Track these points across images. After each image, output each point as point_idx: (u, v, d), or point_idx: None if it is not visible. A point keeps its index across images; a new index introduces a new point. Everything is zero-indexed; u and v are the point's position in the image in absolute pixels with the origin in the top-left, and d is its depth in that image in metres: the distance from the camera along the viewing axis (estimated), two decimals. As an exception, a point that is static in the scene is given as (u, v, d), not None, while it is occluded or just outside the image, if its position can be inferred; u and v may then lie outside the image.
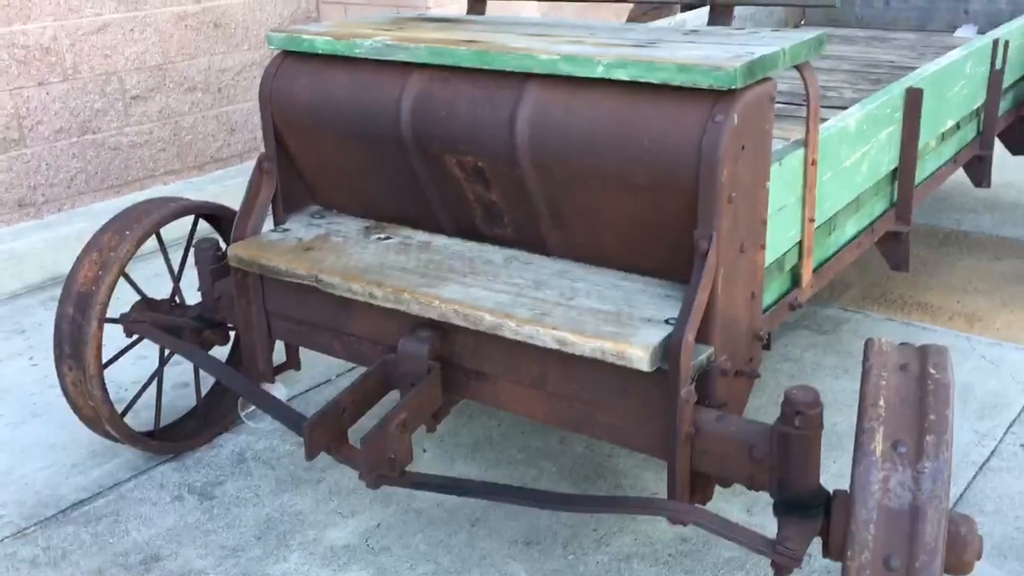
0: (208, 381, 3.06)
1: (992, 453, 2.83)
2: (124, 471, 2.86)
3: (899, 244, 2.90)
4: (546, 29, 2.38)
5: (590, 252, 2.26)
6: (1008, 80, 3.65)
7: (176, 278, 2.88)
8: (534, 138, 2.12)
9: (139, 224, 2.68)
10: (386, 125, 2.35)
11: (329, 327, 2.51)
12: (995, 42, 3.39)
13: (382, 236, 2.54)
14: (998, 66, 3.41)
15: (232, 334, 2.93)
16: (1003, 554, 2.43)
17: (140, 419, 3.04)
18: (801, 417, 1.83)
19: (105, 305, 2.59)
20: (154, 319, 2.73)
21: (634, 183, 2.03)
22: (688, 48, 2.06)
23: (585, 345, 1.97)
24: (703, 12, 4.27)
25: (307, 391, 3.29)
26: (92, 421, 2.72)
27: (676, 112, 1.95)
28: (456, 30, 2.44)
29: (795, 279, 2.42)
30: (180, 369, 3.34)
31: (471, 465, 2.85)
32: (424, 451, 2.93)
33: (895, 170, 2.87)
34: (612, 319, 2.03)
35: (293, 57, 2.55)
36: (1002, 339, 3.49)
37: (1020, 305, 3.76)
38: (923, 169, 3.08)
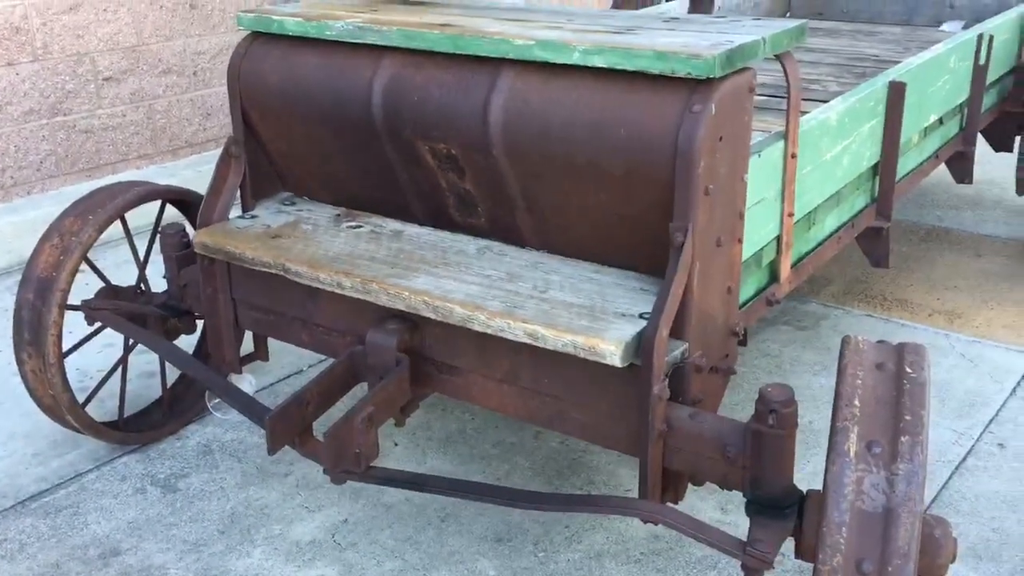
0: (175, 371, 2.99)
1: (969, 452, 2.80)
2: (86, 462, 2.79)
3: (879, 240, 2.86)
4: (524, 14, 2.32)
5: (565, 243, 2.21)
6: (992, 76, 3.61)
7: (142, 265, 2.81)
8: (508, 126, 2.06)
9: (103, 208, 2.60)
10: (357, 110, 2.28)
11: (297, 317, 2.45)
12: (980, 37, 3.35)
13: (353, 224, 2.48)
14: (982, 61, 3.37)
15: (200, 323, 2.86)
16: (978, 555, 2.40)
17: (105, 408, 2.97)
18: (775, 415, 1.78)
19: (66, 291, 2.52)
20: (117, 307, 2.65)
21: (609, 174, 1.97)
22: (667, 36, 2.00)
23: (557, 340, 1.91)
24: (686, 1, 4.21)
25: (276, 382, 3.23)
26: (52, 410, 2.64)
27: (653, 101, 1.90)
28: (431, 13, 2.38)
29: (773, 274, 2.37)
30: (147, 358, 3.27)
31: (443, 460, 2.80)
32: (395, 445, 2.88)
33: (876, 165, 2.82)
34: (585, 313, 1.98)
35: (263, 39, 2.48)
36: (981, 336, 3.47)
37: (1000, 303, 3.74)
38: (905, 164, 3.04)
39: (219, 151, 5.12)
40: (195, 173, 4.83)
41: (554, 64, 2.02)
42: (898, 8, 5.04)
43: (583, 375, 2.00)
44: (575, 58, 1.97)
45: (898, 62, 4.04)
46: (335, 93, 2.32)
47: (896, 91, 2.70)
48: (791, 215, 2.29)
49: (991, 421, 2.96)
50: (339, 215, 2.54)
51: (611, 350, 1.85)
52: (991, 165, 5.12)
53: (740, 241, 2.07)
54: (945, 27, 4.93)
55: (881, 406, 1.64)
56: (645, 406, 1.88)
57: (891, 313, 3.67)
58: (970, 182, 3.61)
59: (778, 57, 2.11)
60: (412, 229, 2.43)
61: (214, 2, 4.92)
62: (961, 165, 3.53)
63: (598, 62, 1.94)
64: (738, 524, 2.48)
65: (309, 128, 2.41)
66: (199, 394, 2.98)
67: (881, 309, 3.71)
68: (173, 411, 2.95)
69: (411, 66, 2.22)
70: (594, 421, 2.03)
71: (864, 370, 1.70)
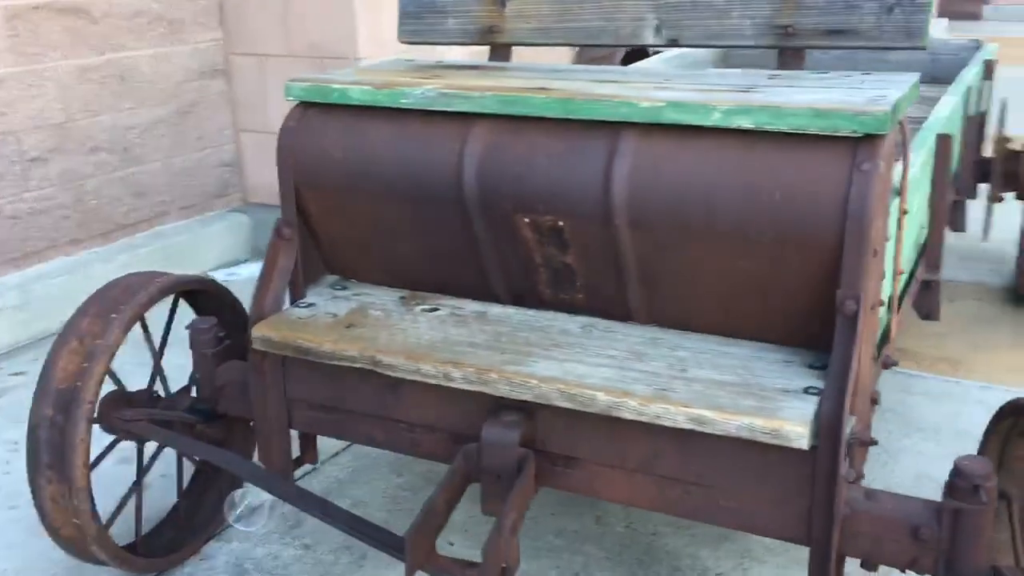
0: (183, 481, 2.64)
1: None
2: (103, 597, 2.41)
3: (929, 293, 2.84)
4: (617, 75, 2.18)
5: (680, 316, 2.05)
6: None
7: (156, 361, 2.48)
8: (635, 195, 1.91)
9: (125, 306, 2.28)
10: (444, 183, 2.08)
11: (370, 414, 2.19)
12: (969, 89, 3.44)
13: (427, 307, 2.25)
14: (971, 111, 3.46)
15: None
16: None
17: (109, 532, 2.58)
18: (979, 490, 1.67)
19: (94, 403, 2.18)
20: (151, 415, 2.32)
21: (757, 240, 1.84)
22: (800, 93, 1.90)
23: (728, 423, 1.75)
24: (666, 57, 4.19)
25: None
26: (72, 541, 2.26)
27: (812, 161, 1.78)
28: (510, 77, 2.20)
29: (885, 335, 2.29)
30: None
31: (512, 557, 2.56)
32: (451, 544, 2.62)
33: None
34: (743, 392, 1.83)
35: (317, 109, 2.24)
36: (990, 382, 3.50)
37: (992, 347, 3.80)
38: (935, 216, 3.06)
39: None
40: (131, 256, 4.43)
41: (686, 126, 1.88)
42: (836, 62, 5.19)
43: (740, 459, 1.84)
44: (715, 119, 1.84)
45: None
46: (414, 166, 2.11)
47: (944, 144, 2.70)
48: (900, 272, 2.22)
49: (1039, 467, 2.95)
50: (404, 298, 2.31)
51: (798, 431, 1.70)
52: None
53: (883, 303, 1.97)
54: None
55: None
56: (830, 489, 1.74)
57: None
58: (964, 229, 3.68)
59: (894, 113, 2.04)
60: (495, 309, 2.23)
61: (143, 74, 4.58)
62: (956, 212, 3.60)
63: (743, 123, 1.82)
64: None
65: (377, 204, 2.19)
66: (215, 505, 2.65)
67: (883, 360, 3.70)
68: (190, 526, 2.60)
69: (508, 134, 2.03)
70: (752, 508, 1.86)
71: (1081, 435, 1.61)
